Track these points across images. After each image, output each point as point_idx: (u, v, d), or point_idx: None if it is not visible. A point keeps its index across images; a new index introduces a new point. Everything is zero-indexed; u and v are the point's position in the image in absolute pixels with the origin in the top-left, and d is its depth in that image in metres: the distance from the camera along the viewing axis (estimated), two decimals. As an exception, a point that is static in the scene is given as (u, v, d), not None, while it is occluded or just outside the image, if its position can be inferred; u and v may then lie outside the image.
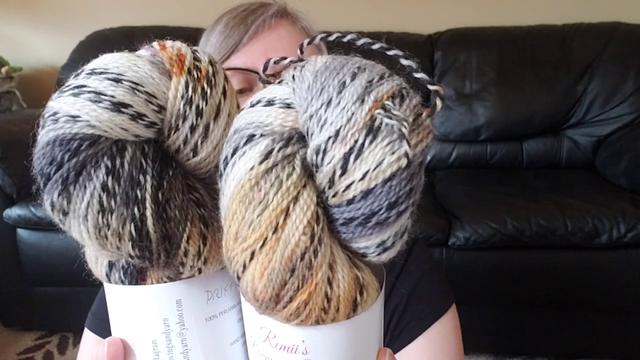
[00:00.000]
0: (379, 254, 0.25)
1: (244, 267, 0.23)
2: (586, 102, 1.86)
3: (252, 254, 0.23)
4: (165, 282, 0.29)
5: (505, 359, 1.60)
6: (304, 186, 0.23)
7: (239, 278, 0.24)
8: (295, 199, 0.23)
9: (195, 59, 0.28)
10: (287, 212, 0.23)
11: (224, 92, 0.28)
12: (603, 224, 1.40)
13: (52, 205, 0.26)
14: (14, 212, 1.54)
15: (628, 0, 2.03)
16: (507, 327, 1.57)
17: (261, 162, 0.23)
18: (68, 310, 1.65)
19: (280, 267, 0.22)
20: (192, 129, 0.26)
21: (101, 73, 0.26)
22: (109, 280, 0.29)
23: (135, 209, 0.25)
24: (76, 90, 0.26)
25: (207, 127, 0.27)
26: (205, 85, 0.27)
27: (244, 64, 0.57)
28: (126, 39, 1.97)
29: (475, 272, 1.46)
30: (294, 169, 0.23)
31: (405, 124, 0.22)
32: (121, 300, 0.29)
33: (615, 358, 1.57)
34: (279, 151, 0.23)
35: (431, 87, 0.25)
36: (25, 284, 1.65)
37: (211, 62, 0.28)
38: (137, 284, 0.29)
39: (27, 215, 1.53)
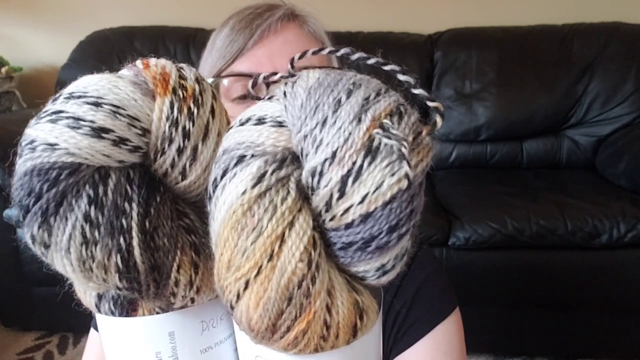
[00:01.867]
0: (378, 277, 0.25)
1: (238, 296, 0.22)
2: (586, 102, 1.85)
3: (247, 283, 0.22)
4: (157, 312, 0.27)
5: (505, 359, 1.60)
6: (299, 210, 0.22)
7: (232, 308, 0.23)
8: (291, 224, 0.22)
9: (181, 77, 0.27)
10: (282, 239, 0.22)
11: (212, 111, 0.26)
12: (603, 224, 1.40)
13: (33, 239, 0.24)
14: (13, 212, 1.54)
15: (628, 0, 2.02)
16: (507, 327, 1.57)
17: (254, 186, 0.22)
18: (68, 310, 1.63)
19: (276, 296, 0.21)
20: (180, 151, 0.25)
21: (80, 97, 0.25)
22: (99, 311, 0.28)
23: (121, 239, 0.23)
24: (54, 117, 0.24)
25: (195, 149, 0.25)
26: (192, 105, 0.25)
27: (248, 69, 0.56)
28: (126, 39, 1.97)
29: (475, 272, 1.46)
30: (288, 192, 0.22)
31: (404, 143, 0.21)
32: (112, 331, 0.28)
33: (615, 358, 1.57)
34: (272, 174, 0.22)
35: (430, 104, 0.24)
36: (25, 284, 1.65)
37: (197, 80, 0.27)
38: (127, 315, 0.28)
39: (27, 215, 1.53)
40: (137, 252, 0.24)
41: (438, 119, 0.24)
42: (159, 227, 0.24)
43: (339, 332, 0.23)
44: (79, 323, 1.65)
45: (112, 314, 0.28)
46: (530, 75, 1.88)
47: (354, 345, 0.24)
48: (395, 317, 0.60)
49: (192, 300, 0.26)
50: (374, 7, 2.10)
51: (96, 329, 0.64)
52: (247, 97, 0.56)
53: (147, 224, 0.24)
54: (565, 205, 1.47)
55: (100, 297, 0.28)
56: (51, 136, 0.24)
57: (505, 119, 1.87)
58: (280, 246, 0.21)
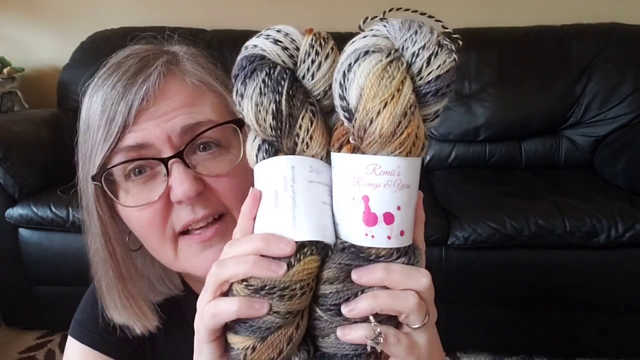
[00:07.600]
0: (432, 120, 0.41)
1: (378, 112, 0.38)
2: (584, 102, 1.87)
3: (385, 104, 0.38)
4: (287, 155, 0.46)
5: (504, 358, 1.60)
6: (407, 74, 0.39)
7: (371, 122, 0.38)
8: (405, 78, 0.38)
9: (318, 32, 0.46)
10: (402, 82, 0.38)
11: (332, 48, 0.45)
12: (601, 223, 1.41)
13: (237, 91, 0.44)
14: (15, 211, 1.55)
15: (626, 1, 2.04)
16: (505, 326, 1.57)
17: (387, 57, 0.38)
18: (70, 310, 1.64)
19: (399, 112, 0.38)
20: (312, 62, 0.45)
21: (274, 30, 0.46)
22: (257, 160, 0.46)
23: (277, 96, 0.43)
24: (261, 35, 0.46)
25: (320, 63, 0.45)
26: (322, 42, 0.45)
27: (136, 141, 0.53)
28: (127, 39, 1.98)
29: (474, 271, 1.47)
30: (402, 63, 0.39)
31: (453, 46, 0.40)
32: (265, 169, 0.46)
33: (613, 358, 1.58)
34: (394, 52, 0.39)
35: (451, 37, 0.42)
36: (27, 283, 1.66)
37: (326, 35, 0.46)
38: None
39: (28, 214, 1.54)
40: (283, 104, 0.43)
41: (454, 49, 0.41)
42: (295, 95, 0.44)
43: (418, 143, 0.39)
44: (80, 322, 1.66)
45: (264, 159, 0.46)
46: (529, 76, 1.89)
47: (418, 160, 0.41)
48: None
49: (307, 145, 0.44)
50: (374, 7, 2.10)
51: (75, 337, 0.68)
52: (142, 172, 0.54)
53: (290, 91, 0.44)
54: (563, 205, 1.48)
55: (259, 149, 0.46)
56: (257, 42, 0.45)
57: (504, 119, 1.88)
58: (401, 86, 0.38)
